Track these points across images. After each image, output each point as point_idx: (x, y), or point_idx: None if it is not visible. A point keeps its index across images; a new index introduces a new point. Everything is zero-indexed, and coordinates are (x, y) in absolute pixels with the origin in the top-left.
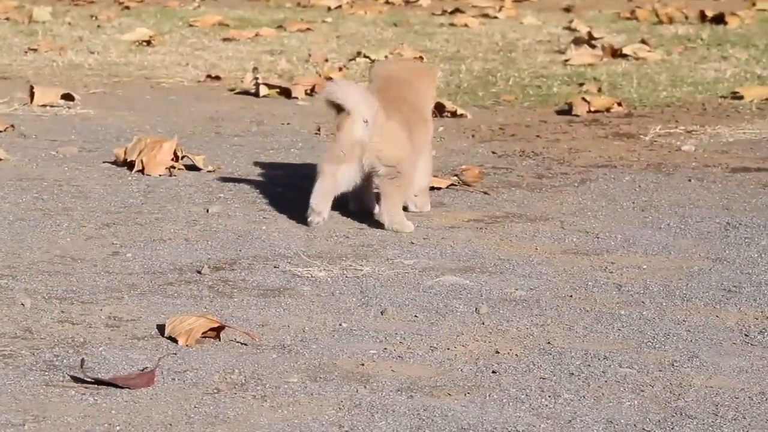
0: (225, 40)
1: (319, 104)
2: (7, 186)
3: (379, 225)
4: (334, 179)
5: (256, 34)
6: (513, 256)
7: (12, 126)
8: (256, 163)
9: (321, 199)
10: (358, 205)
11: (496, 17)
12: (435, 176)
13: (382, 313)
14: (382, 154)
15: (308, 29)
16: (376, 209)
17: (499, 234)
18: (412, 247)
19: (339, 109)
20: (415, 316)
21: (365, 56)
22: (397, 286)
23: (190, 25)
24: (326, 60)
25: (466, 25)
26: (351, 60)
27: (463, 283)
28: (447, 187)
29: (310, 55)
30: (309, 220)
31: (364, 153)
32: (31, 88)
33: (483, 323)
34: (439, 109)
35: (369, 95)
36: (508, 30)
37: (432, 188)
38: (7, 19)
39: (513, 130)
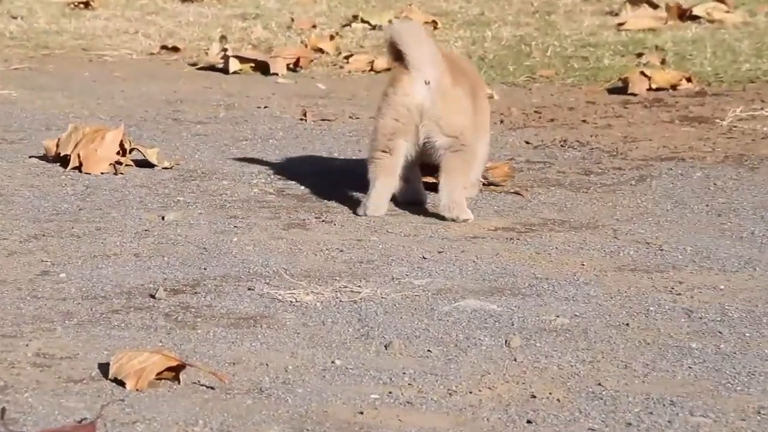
0: (185, 1)
1: (304, 82)
2: None
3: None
4: (395, 157)
5: None
6: (553, 273)
7: None
8: (224, 158)
9: (382, 188)
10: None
11: None
12: None
13: (386, 347)
14: (443, 121)
15: None
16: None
17: (534, 246)
18: (424, 263)
19: (398, 57)
20: (428, 350)
21: (363, 21)
22: (406, 312)
23: None
24: (314, 26)
25: None
26: (345, 26)
27: (489, 309)
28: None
29: (293, 20)
30: (365, 209)
31: (421, 120)
32: None
33: (515, 359)
34: None
35: (438, 52)
36: None
37: None
38: None
39: (552, 114)
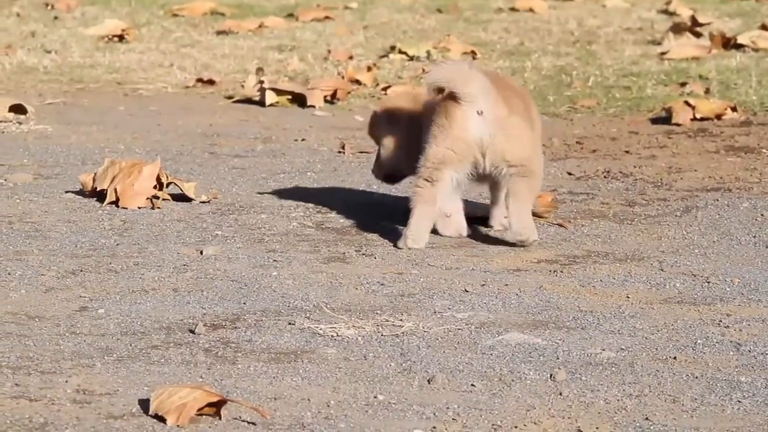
0: (220, 33)
1: (341, 114)
2: None
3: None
4: (438, 187)
5: (260, 25)
6: (598, 306)
7: None
8: (262, 191)
9: (422, 219)
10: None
11: None
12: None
13: (429, 381)
14: (508, 154)
15: (327, 18)
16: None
17: (578, 278)
18: (466, 296)
19: (447, 94)
20: (472, 385)
21: (401, 52)
22: (448, 346)
23: (175, 15)
24: (351, 57)
25: (531, 10)
26: (382, 57)
27: (534, 342)
28: None
29: (329, 52)
30: (405, 241)
31: (484, 154)
32: None
33: (560, 394)
34: None
35: (488, 82)
36: (587, 15)
37: (487, 219)
38: None
39: (594, 145)
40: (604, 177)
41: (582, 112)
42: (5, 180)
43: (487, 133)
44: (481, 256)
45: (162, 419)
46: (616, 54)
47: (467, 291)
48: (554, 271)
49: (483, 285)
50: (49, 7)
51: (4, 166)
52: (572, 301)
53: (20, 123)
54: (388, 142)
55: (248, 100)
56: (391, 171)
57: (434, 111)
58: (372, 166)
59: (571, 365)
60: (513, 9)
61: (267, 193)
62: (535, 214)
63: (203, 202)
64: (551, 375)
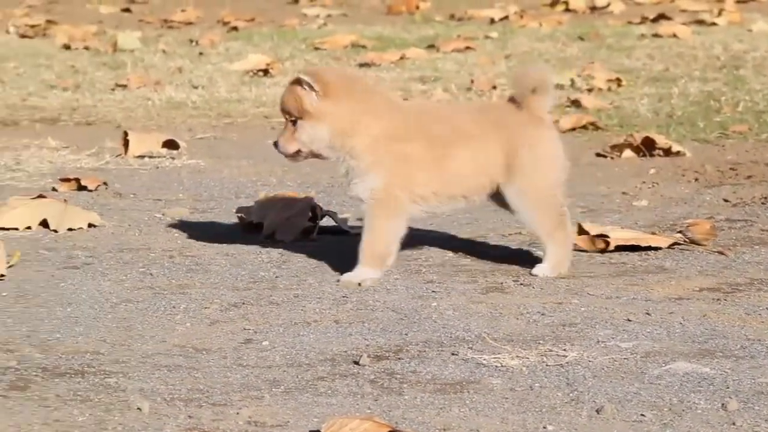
0: (362, 65)
1: None
2: (106, 259)
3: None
4: None
5: (402, 57)
6: (765, 335)
7: (105, 183)
8: (415, 222)
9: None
10: None
11: (714, 23)
12: (652, 233)
13: (597, 411)
14: None
15: (468, 48)
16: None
17: (743, 306)
18: (629, 325)
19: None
20: (642, 415)
21: None
22: (615, 376)
23: (316, 48)
24: (494, 87)
25: (674, 36)
26: None
27: (702, 372)
28: (669, 247)
29: (472, 81)
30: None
31: None
32: (125, 135)
33: (734, 423)
34: (647, 146)
35: None
36: (732, 39)
37: (650, 248)
38: (87, 48)
39: (749, 170)
40: (762, 203)
41: (733, 138)
42: (163, 214)
43: None
44: (641, 284)
45: None
46: (765, 79)
47: (629, 320)
48: (717, 300)
49: (647, 314)
50: (194, 44)
51: (161, 201)
52: (738, 330)
53: (173, 158)
54: None
55: None
56: None
57: None
58: None
59: (742, 395)
60: (656, 35)
61: (420, 224)
62: (694, 242)
63: (358, 235)
64: (723, 404)
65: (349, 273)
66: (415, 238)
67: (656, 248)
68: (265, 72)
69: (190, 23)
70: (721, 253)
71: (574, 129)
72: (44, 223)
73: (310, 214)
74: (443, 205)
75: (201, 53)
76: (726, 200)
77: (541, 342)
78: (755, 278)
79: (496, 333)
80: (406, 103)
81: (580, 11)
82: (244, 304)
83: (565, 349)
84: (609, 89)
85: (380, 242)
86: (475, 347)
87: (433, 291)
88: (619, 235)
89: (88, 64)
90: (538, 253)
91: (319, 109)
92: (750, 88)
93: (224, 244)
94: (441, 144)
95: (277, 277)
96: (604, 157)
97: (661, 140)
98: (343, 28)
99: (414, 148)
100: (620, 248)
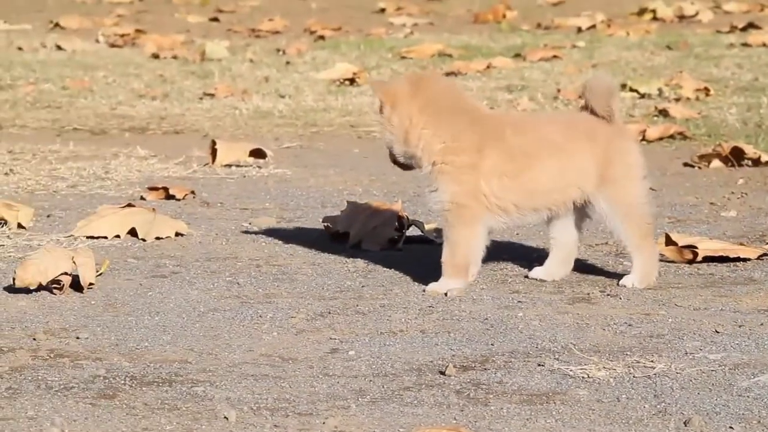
0: (449, 74)
1: None
2: (194, 268)
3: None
4: None
5: (488, 66)
6: None
7: (192, 192)
8: (502, 233)
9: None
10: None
11: None
12: (741, 244)
13: (685, 423)
14: None
15: (555, 57)
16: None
17: None
18: (717, 336)
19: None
20: (730, 427)
21: (632, 90)
22: (703, 388)
23: (403, 57)
24: (580, 96)
25: (764, 45)
26: None
27: None
28: (758, 258)
29: (559, 91)
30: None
31: None
32: (213, 144)
33: None
34: (736, 156)
35: None
36: None
37: (738, 259)
38: (175, 57)
39: None
40: None
41: None
42: (250, 224)
43: None
44: (729, 296)
45: None
46: None
47: (718, 332)
48: None
49: (735, 325)
50: (281, 53)
51: (247, 210)
52: None
53: (260, 167)
54: None
55: None
56: None
57: None
58: None
59: None
60: (745, 44)
61: (507, 234)
62: None
63: (442, 244)
64: None
65: (434, 283)
66: (499, 249)
67: (745, 259)
68: (352, 81)
69: (277, 32)
70: None
71: (661, 138)
72: (132, 232)
73: (396, 223)
74: (525, 217)
75: (288, 62)
76: None
77: (628, 353)
78: None
79: (583, 344)
80: (489, 113)
81: (667, 20)
82: (330, 313)
83: (652, 361)
84: (697, 99)
85: (458, 252)
86: (561, 358)
87: (519, 301)
88: (707, 246)
89: (176, 73)
90: (626, 264)
91: (388, 119)
92: None
93: (310, 254)
94: (523, 155)
95: (363, 286)
96: (692, 167)
97: (750, 150)
98: (429, 37)
99: (486, 158)
100: (708, 259)
